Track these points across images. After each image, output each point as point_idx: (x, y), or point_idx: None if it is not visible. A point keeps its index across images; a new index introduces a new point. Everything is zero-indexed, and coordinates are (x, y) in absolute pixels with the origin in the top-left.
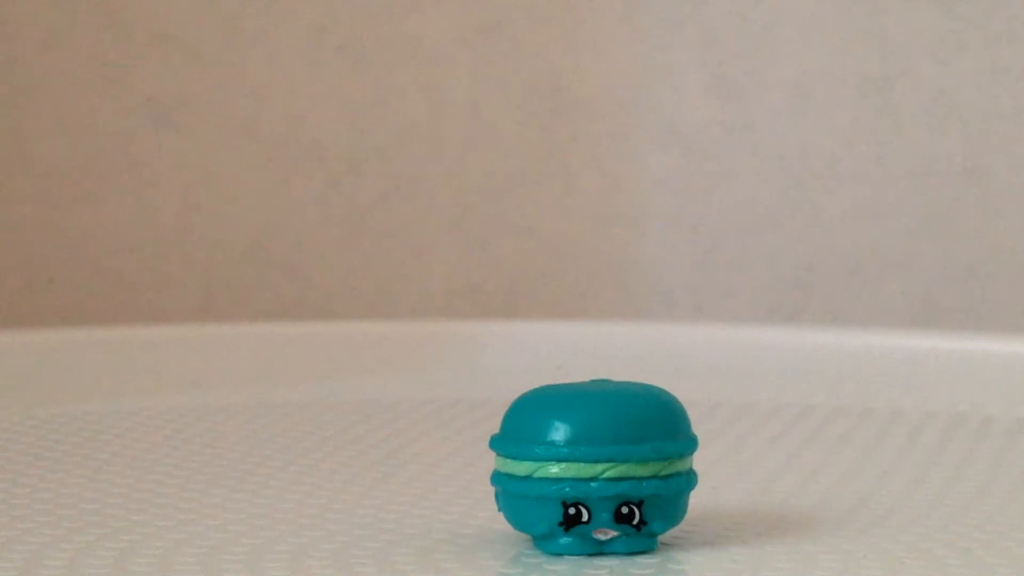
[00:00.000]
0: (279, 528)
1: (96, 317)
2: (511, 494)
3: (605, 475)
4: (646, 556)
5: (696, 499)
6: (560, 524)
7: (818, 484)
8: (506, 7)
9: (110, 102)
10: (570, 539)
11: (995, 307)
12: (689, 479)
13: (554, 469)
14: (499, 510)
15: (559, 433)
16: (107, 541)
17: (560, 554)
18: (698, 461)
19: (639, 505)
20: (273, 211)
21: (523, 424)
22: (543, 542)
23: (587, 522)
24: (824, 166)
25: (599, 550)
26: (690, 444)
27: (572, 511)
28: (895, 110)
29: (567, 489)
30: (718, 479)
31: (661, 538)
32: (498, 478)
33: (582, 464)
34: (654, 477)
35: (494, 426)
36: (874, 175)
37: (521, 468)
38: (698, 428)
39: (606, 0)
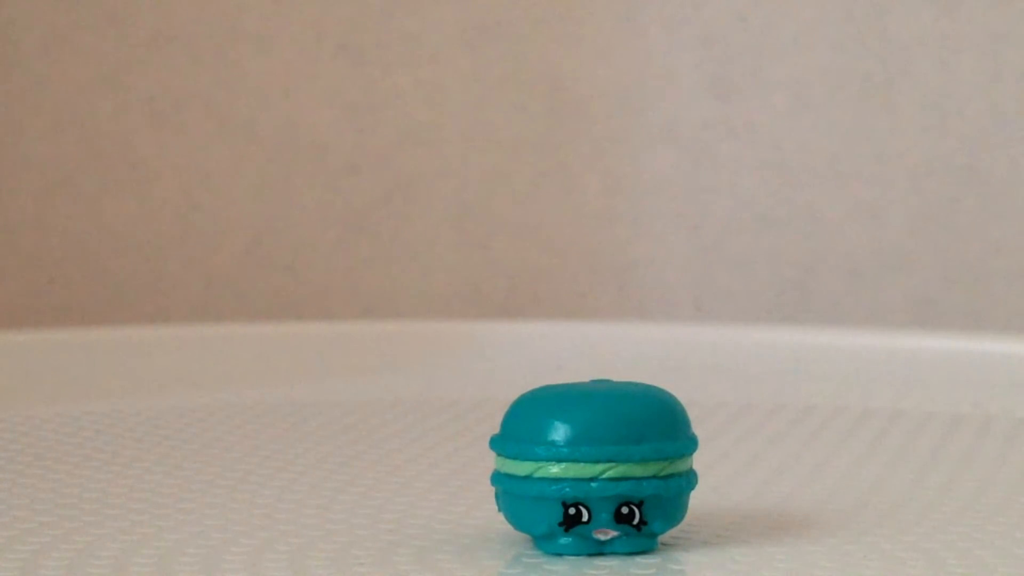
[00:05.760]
0: (279, 528)
1: (96, 317)
2: (511, 494)
3: (605, 475)
4: (646, 556)
5: (696, 499)
6: (560, 524)
7: (818, 484)
8: (506, 7)
9: (110, 102)
10: (570, 539)
11: (995, 307)
12: (689, 479)
13: (554, 469)
14: (499, 510)
15: (559, 433)
16: (107, 541)
17: (560, 554)
18: (698, 461)
19: (639, 505)
20: (273, 211)
21: (523, 424)
22: (543, 542)
23: (587, 522)
24: (824, 166)
25: (599, 550)
26: (690, 444)
27: (572, 511)
28: (895, 110)
29: (567, 489)
30: (718, 479)
31: (661, 538)
32: (498, 478)
33: (582, 464)
34: (654, 477)
35: (494, 426)
36: (874, 175)
37: (521, 468)
38: (698, 428)
39: (606, 0)
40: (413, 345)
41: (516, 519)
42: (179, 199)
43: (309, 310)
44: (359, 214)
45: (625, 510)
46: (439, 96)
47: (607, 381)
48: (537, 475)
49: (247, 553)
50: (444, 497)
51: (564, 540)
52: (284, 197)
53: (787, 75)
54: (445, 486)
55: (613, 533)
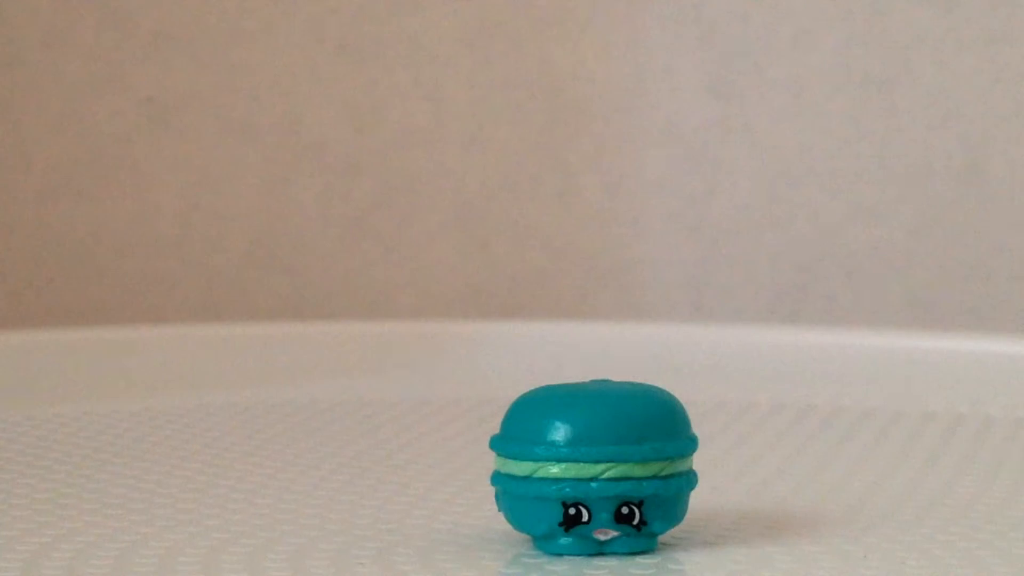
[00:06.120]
0: (279, 528)
1: (96, 317)
2: (511, 494)
3: (605, 475)
4: (646, 556)
5: (696, 499)
6: (560, 524)
7: (818, 484)
8: (506, 7)
9: (110, 102)
10: (570, 539)
11: (995, 307)
12: (689, 479)
13: (554, 469)
14: (499, 510)
15: (559, 433)
16: (107, 541)
17: (560, 554)
18: (698, 461)
19: (639, 505)
20: (273, 211)
21: (523, 424)
22: (543, 542)
23: (587, 522)
24: (824, 166)
25: (599, 550)
26: (690, 444)
27: (572, 511)
28: (895, 110)
29: (567, 489)
30: (718, 479)
31: (661, 538)
32: (498, 478)
33: (582, 464)
34: (654, 477)
35: (494, 426)
36: (874, 175)
37: (521, 468)
38: (698, 428)
39: (606, 0)
40: (413, 345)
41: (516, 519)
42: (179, 199)
43: (309, 310)
44: (359, 214)
45: (625, 510)
46: (439, 96)
47: (607, 381)
48: (537, 475)
49: (247, 553)
50: (444, 497)
51: (564, 540)
52: (284, 197)
53: (787, 75)
54: (445, 486)
55: (613, 533)
